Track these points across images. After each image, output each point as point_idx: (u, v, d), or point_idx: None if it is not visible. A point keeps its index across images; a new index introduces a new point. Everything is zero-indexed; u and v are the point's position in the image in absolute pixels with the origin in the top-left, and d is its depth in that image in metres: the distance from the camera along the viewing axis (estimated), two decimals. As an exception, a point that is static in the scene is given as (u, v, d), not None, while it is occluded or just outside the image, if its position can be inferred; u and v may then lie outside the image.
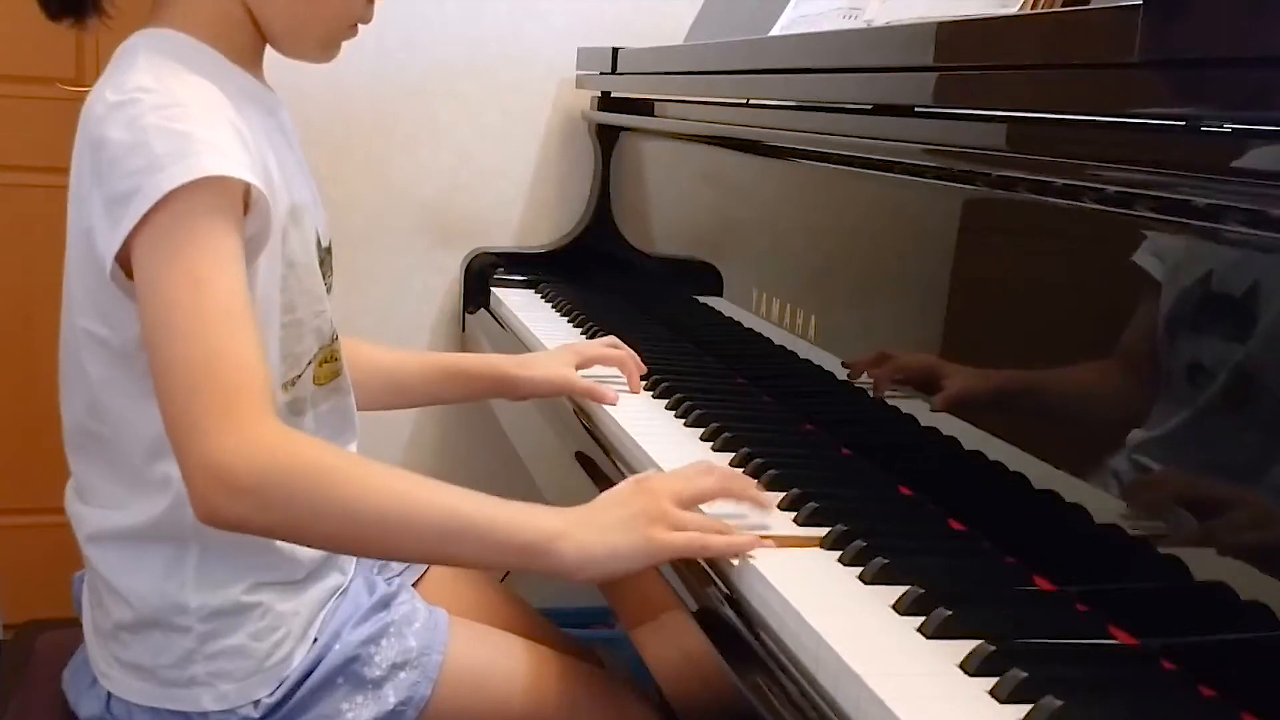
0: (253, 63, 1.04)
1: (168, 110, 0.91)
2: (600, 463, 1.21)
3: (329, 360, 1.10)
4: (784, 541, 0.93)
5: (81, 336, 0.98)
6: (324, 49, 1.04)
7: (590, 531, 0.90)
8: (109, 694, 1.02)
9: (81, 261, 0.97)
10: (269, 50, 1.06)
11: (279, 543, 1.01)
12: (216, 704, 0.99)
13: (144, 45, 0.98)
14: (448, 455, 2.23)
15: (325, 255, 1.09)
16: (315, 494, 0.88)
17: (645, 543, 0.89)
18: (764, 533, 0.94)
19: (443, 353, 1.53)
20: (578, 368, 1.35)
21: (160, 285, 0.89)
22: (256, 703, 1.00)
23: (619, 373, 1.39)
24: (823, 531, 0.94)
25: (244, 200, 0.93)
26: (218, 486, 0.86)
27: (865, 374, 1.14)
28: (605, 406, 1.30)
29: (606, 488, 1.14)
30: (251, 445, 0.87)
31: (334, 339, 1.10)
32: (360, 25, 1.05)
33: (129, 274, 0.93)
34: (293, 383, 1.04)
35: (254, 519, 0.89)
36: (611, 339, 1.44)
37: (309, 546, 0.99)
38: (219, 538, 0.98)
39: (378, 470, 0.91)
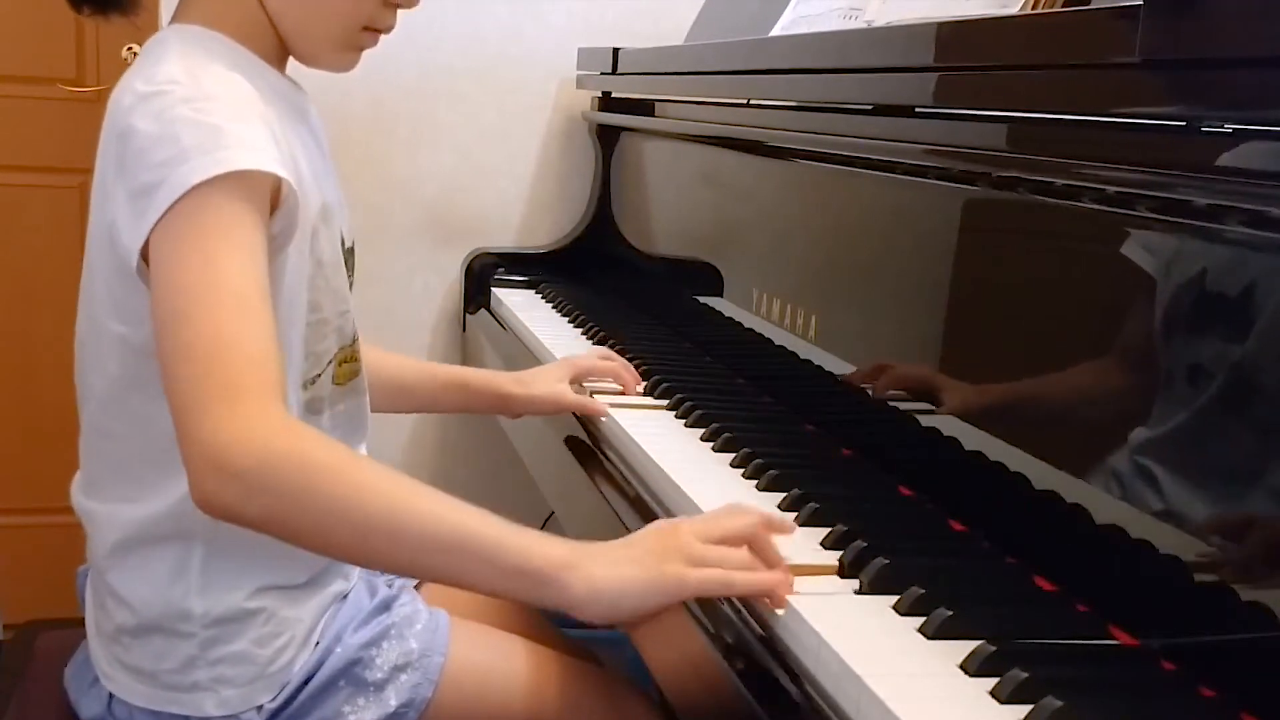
0: (280, 63, 1.04)
1: (197, 103, 0.90)
2: (601, 464, 1.21)
3: (349, 360, 1.09)
4: (801, 570, 0.87)
5: (102, 333, 0.98)
6: (338, 53, 1.03)
7: (600, 565, 0.85)
8: (110, 694, 1.02)
9: (102, 256, 0.96)
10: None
11: (284, 545, 1.01)
12: (219, 709, 0.99)
13: (175, 38, 0.97)
14: (448, 454, 2.23)
15: (348, 255, 1.09)
16: (304, 487, 0.85)
17: (660, 578, 0.85)
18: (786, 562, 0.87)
19: (445, 364, 1.52)
20: (572, 380, 1.35)
21: (174, 271, 0.88)
22: (259, 708, 0.99)
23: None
24: (836, 555, 0.90)
25: (273, 195, 0.93)
26: (210, 470, 0.84)
27: (865, 374, 1.14)
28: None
29: (605, 489, 1.14)
30: (249, 431, 0.84)
31: (354, 340, 1.10)
32: (382, 34, 1.03)
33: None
34: (313, 381, 1.03)
35: (241, 506, 0.85)
36: (604, 349, 1.45)
37: (301, 546, 0.94)
38: (225, 538, 0.98)
39: (383, 473, 0.87)
